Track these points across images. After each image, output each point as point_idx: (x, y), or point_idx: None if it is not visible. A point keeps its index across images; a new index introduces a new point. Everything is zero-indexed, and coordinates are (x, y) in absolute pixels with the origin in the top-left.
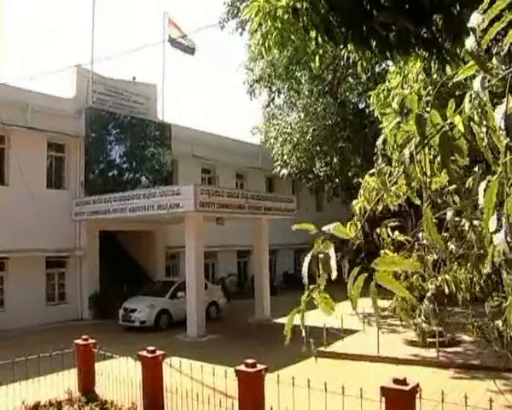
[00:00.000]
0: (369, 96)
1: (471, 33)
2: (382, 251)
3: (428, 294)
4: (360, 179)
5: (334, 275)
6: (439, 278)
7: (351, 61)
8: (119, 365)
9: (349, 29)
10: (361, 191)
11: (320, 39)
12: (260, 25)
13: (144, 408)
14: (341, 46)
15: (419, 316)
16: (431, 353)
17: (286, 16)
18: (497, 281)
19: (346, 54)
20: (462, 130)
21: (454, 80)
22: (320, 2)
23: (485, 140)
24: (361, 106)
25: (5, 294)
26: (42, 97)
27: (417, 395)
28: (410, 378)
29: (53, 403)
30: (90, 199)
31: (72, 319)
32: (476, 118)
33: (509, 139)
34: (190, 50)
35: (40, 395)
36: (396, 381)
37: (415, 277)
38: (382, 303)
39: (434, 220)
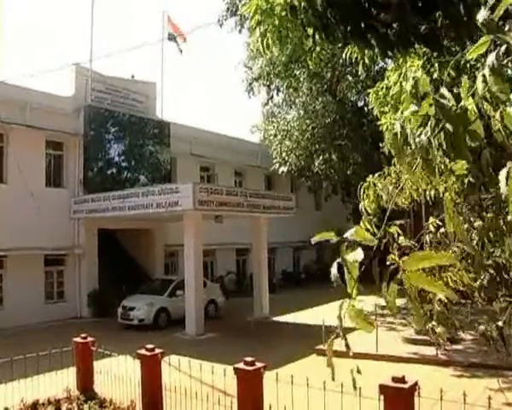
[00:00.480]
0: (368, 94)
1: (482, 6)
2: (389, 256)
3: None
4: (359, 177)
5: (377, 281)
6: (447, 278)
7: (350, 59)
8: (118, 363)
9: (347, 27)
10: (368, 192)
11: (317, 37)
12: (259, 23)
13: (143, 406)
14: (339, 44)
15: (430, 319)
16: (430, 351)
17: (283, 14)
18: (501, 282)
19: (346, 52)
20: (476, 111)
21: (466, 57)
22: (318, 0)
23: (499, 123)
24: (360, 104)
25: (4, 292)
26: (41, 95)
27: (416, 393)
28: (409, 376)
29: (51, 401)
30: (88, 197)
31: (70, 317)
32: (489, 98)
33: None
34: (180, 50)
35: (39, 394)
36: (395, 379)
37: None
38: (380, 301)
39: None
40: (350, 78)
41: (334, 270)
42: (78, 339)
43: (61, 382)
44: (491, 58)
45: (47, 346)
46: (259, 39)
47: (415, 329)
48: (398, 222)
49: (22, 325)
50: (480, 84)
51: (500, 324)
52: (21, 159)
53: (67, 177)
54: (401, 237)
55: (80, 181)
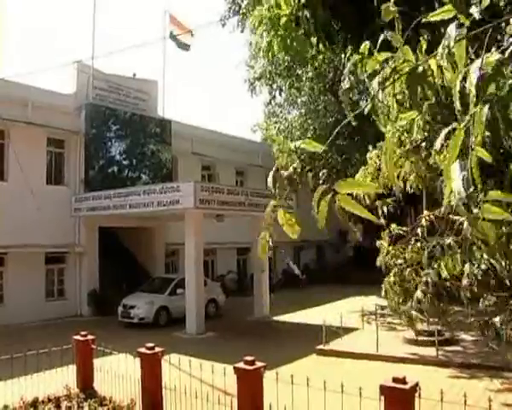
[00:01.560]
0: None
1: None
2: (379, 242)
3: (423, 286)
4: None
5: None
6: (432, 270)
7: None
8: (118, 361)
9: (348, 34)
10: (365, 167)
11: (321, 45)
12: (264, 31)
13: (143, 405)
14: (341, 51)
15: (411, 302)
16: (430, 351)
17: (288, 24)
18: (493, 278)
19: (345, 57)
20: (435, 70)
21: (428, 19)
22: (320, 10)
23: (457, 87)
24: (362, 104)
25: (4, 289)
26: (42, 93)
27: (416, 394)
28: (410, 377)
29: (51, 399)
30: (89, 195)
31: (71, 316)
32: (446, 64)
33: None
34: (186, 47)
35: (39, 391)
36: (395, 380)
37: (408, 269)
38: (384, 302)
39: (432, 216)
40: (351, 77)
41: (269, 181)
42: (78, 337)
43: (60, 380)
44: (451, 29)
45: (47, 344)
46: (265, 49)
47: (415, 329)
48: (389, 200)
49: (22, 322)
50: (440, 50)
51: (497, 322)
52: (22, 156)
53: (68, 175)
54: (393, 225)
55: (81, 179)
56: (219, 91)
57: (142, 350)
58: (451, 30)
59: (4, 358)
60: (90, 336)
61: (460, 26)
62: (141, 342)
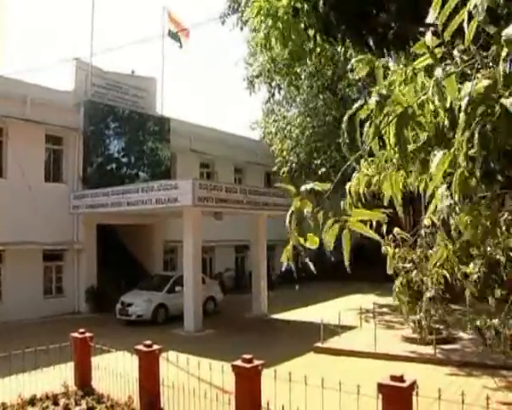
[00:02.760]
0: (369, 92)
1: (429, 29)
2: (383, 247)
3: (428, 294)
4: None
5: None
6: (436, 272)
7: (350, 57)
8: (116, 359)
9: (348, 28)
10: (356, 175)
11: (319, 38)
12: (262, 22)
13: (141, 402)
14: (339, 46)
15: (419, 312)
16: (428, 350)
17: (286, 17)
18: (495, 279)
19: (343, 51)
20: (426, 107)
21: (415, 66)
22: (321, 4)
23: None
24: (361, 102)
25: (2, 286)
26: (40, 90)
27: (414, 393)
28: (407, 375)
29: (49, 396)
30: (87, 192)
31: (69, 313)
32: (437, 102)
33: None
34: (180, 44)
35: (37, 389)
36: (393, 378)
37: (414, 272)
38: (382, 300)
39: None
40: (350, 76)
41: (287, 223)
42: (76, 334)
43: (58, 377)
44: (438, 72)
45: (45, 341)
46: (262, 41)
47: (412, 328)
48: (385, 210)
49: (20, 319)
50: (431, 89)
51: (496, 322)
52: (21, 153)
53: (67, 172)
54: (396, 228)
55: (80, 176)
56: (218, 89)
57: (140, 348)
58: (438, 72)
59: (2, 355)
60: (87, 334)
61: (446, 65)
62: (139, 339)
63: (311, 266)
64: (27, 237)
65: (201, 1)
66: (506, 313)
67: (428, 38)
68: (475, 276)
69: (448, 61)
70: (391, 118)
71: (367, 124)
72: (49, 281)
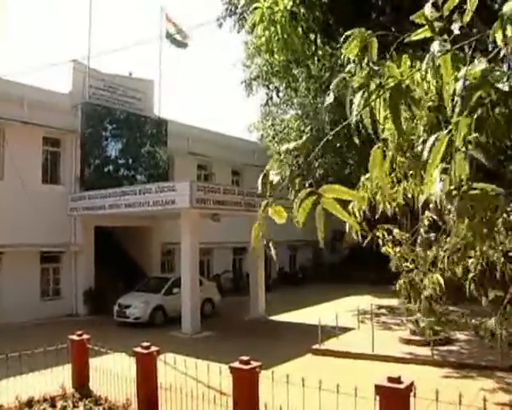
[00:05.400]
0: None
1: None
2: (384, 247)
3: (425, 292)
4: (357, 178)
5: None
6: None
7: (348, 59)
8: (114, 360)
9: (346, 29)
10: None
11: (319, 41)
12: (266, 29)
13: (138, 404)
14: (340, 47)
15: (418, 311)
16: (425, 351)
17: (284, 21)
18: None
19: (343, 54)
20: (420, 83)
21: (410, 39)
22: (317, 7)
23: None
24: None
25: (0, 289)
26: (38, 92)
27: (412, 394)
28: (405, 377)
29: (47, 399)
30: (85, 194)
31: (66, 315)
32: (430, 77)
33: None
34: (183, 45)
35: (34, 391)
36: (390, 379)
37: (415, 271)
38: (380, 302)
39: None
40: (348, 78)
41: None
42: (73, 336)
43: (56, 379)
44: (435, 46)
45: (42, 343)
46: (264, 47)
47: (410, 329)
48: (386, 226)
49: (18, 321)
50: (424, 64)
51: (492, 322)
52: (18, 155)
53: (64, 174)
54: (395, 230)
55: (77, 178)
56: (216, 91)
57: (138, 349)
58: (435, 46)
59: None
60: (85, 336)
61: (444, 41)
62: (136, 341)
63: (273, 254)
64: (25, 239)
65: (199, 3)
66: (501, 313)
67: (428, 9)
68: (470, 276)
69: (445, 37)
70: (382, 91)
71: (359, 93)
72: (47, 283)
